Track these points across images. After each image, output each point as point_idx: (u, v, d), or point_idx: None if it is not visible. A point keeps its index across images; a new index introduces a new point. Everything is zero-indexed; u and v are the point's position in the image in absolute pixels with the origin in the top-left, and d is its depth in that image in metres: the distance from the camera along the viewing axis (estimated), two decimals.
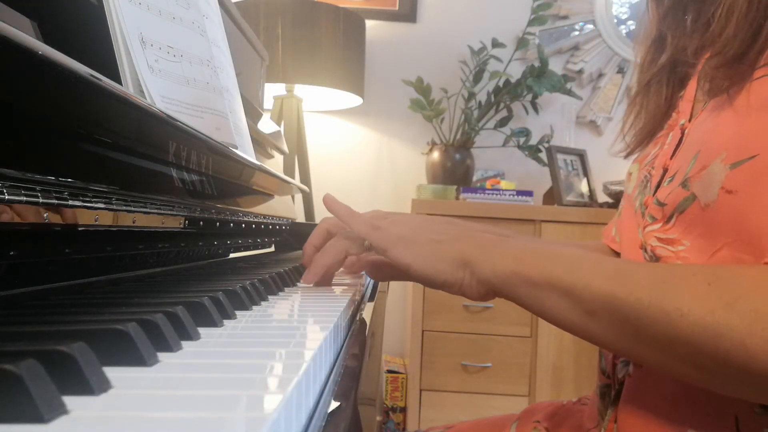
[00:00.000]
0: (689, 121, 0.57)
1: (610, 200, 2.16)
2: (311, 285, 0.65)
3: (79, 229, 0.43)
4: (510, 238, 0.56)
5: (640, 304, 0.43)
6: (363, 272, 0.76)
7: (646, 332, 0.43)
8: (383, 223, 0.59)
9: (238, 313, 0.45)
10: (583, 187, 2.26)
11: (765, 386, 0.40)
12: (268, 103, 1.95)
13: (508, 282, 0.51)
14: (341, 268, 0.67)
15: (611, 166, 2.22)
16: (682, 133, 0.57)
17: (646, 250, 0.55)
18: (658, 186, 0.56)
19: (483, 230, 0.59)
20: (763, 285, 0.40)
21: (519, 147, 2.29)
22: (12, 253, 0.39)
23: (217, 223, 0.73)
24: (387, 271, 0.63)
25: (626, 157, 0.69)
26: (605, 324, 0.46)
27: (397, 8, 2.42)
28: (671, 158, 0.56)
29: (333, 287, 0.65)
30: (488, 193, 2.10)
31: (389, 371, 2.10)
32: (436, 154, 2.24)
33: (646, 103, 0.65)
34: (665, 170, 0.56)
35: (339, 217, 0.63)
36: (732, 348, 0.39)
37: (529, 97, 2.27)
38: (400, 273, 0.58)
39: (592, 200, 2.22)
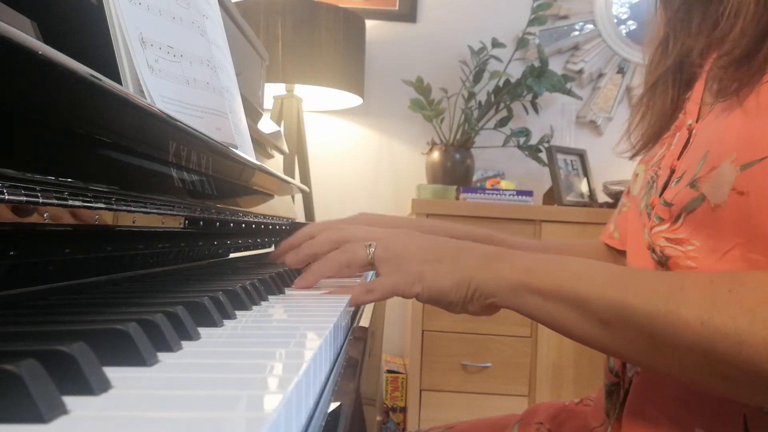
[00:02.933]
0: (696, 121, 0.57)
1: (610, 200, 2.16)
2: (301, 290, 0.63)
3: (79, 229, 0.43)
4: (515, 251, 0.55)
5: (657, 313, 0.42)
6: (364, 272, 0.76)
7: (663, 341, 0.43)
8: (377, 283, 0.57)
9: (238, 313, 0.45)
10: (583, 187, 2.26)
11: None
12: (268, 103, 1.95)
13: (516, 293, 0.51)
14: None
15: (611, 166, 2.22)
16: (690, 134, 0.56)
17: (654, 251, 0.54)
18: (665, 187, 0.56)
19: (480, 244, 0.58)
20: None
21: (519, 147, 2.28)
22: (12, 253, 0.39)
23: (217, 223, 0.73)
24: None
25: (631, 158, 0.69)
26: (619, 334, 0.45)
27: (397, 8, 2.42)
28: (678, 159, 0.56)
29: (333, 287, 0.65)
30: (488, 193, 2.10)
31: (389, 371, 2.10)
32: (436, 154, 2.24)
33: (652, 104, 0.65)
34: (672, 171, 0.56)
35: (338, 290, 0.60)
36: (755, 354, 0.38)
37: (529, 97, 2.27)
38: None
39: (592, 200, 2.22)
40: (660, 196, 0.56)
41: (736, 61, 0.48)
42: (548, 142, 2.26)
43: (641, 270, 0.51)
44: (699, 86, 0.59)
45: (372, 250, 0.58)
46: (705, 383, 0.44)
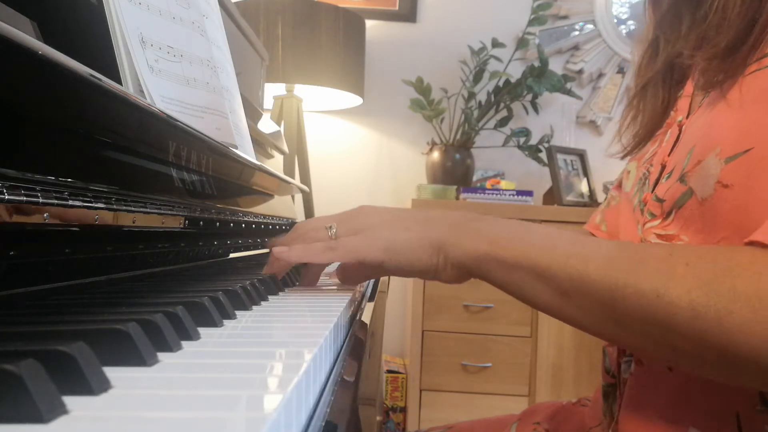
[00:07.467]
0: (687, 117, 0.57)
1: None
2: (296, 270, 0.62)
3: (79, 229, 0.43)
4: (483, 218, 0.54)
5: (615, 286, 0.43)
6: None
7: (623, 314, 0.43)
8: (339, 241, 0.56)
9: (238, 313, 0.45)
10: (583, 187, 2.26)
11: (742, 368, 0.39)
12: (268, 103, 1.95)
13: (482, 264, 0.51)
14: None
15: (611, 166, 2.21)
16: (680, 130, 0.57)
17: None
18: (657, 182, 0.56)
19: (450, 213, 0.57)
20: (741, 265, 0.39)
21: (519, 147, 2.29)
22: (12, 253, 0.39)
23: (217, 223, 0.73)
24: (360, 272, 0.60)
25: (623, 158, 0.69)
26: (581, 305, 0.46)
27: (397, 8, 2.42)
28: (669, 155, 0.56)
29: (333, 287, 0.65)
30: (488, 193, 2.10)
31: (389, 371, 2.10)
32: (436, 154, 2.24)
33: (643, 106, 0.65)
34: (663, 167, 0.56)
35: (297, 259, 0.59)
36: (708, 328, 0.38)
37: (529, 97, 2.27)
38: (374, 271, 0.57)
39: (592, 200, 2.22)
40: (652, 191, 0.56)
41: (721, 53, 0.49)
42: (548, 142, 2.26)
43: (605, 240, 0.51)
44: (690, 84, 0.59)
45: (333, 230, 0.57)
46: (665, 357, 0.44)
